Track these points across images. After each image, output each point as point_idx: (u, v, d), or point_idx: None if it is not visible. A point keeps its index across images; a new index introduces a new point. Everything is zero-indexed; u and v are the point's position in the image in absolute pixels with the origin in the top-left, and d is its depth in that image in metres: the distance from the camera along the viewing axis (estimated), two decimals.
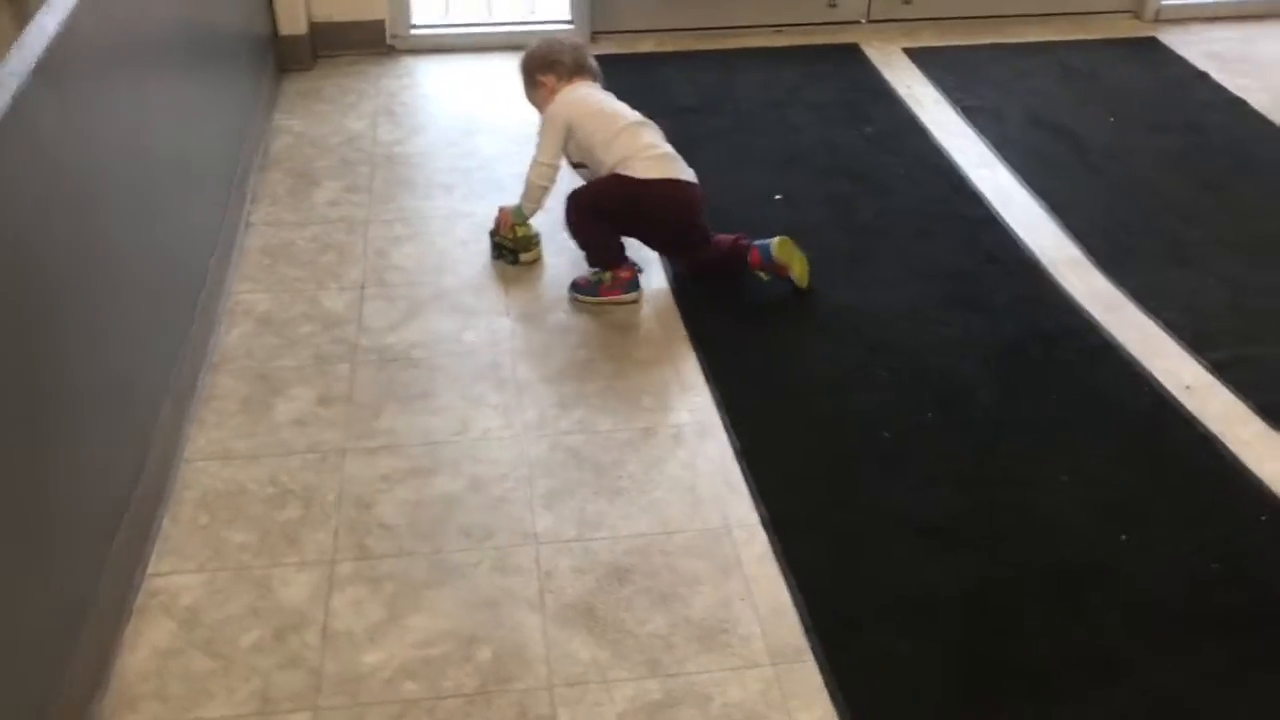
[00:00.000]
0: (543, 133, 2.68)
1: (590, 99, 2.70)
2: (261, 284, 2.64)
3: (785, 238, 2.59)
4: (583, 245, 2.64)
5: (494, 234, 2.73)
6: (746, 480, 2.08)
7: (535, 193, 2.68)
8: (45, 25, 1.64)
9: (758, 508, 2.02)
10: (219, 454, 2.13)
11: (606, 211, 2.59)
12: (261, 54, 3.44)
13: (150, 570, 1.87)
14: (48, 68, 1.60)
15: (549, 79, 2.71)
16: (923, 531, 1.98)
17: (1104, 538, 1.97)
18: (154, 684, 1.68)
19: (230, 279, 2.63)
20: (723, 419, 2.23)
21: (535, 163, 2.67)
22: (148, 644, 1.75)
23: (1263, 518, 2.01)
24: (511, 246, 2.70)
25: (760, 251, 2.59)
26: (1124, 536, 1.96)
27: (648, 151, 2.59)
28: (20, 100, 1.50)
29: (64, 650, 1.57)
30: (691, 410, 2.27)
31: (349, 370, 2.37)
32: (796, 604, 1.83)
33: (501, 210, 2.71)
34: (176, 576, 1.87)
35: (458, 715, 1.64)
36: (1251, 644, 1.78)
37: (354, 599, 1.83)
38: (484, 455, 2.14)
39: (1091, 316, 2.56)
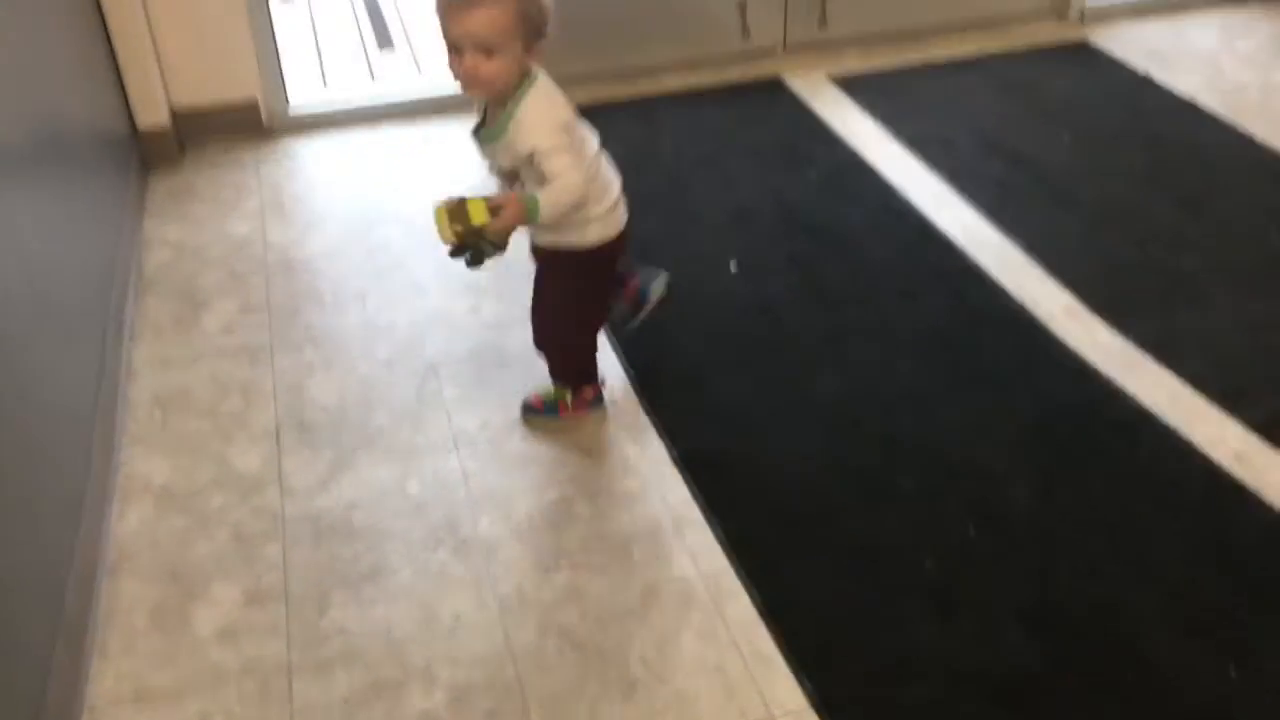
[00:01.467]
0: (551, 133, 1.86)
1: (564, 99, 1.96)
2: (156, 446, 2.22)
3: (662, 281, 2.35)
4: (561, 364, 2.22)
5: (478, 234, 1.85)
6: (780, 649, 1.75)
7: (564, 212, 1.92)
8: None
9: (801, 684, 1.69)
10: (130, 696, 1.72)
11: (598, 318, 2.22)
12: (121, 153, 2.98)
13: None
14: None
15: (534, 48, 1.85)
16: (1002, 695, 1.67)
17: (1212, 675, 1.69)
18: None
19: (118, 445, 2.20)
20: (734, 566, 1.90)
21: (564, 182, 1.86)
22: None
23: None
24: (497, 244, 1.89)
25: (640, 293, 2.34)
26: (1234, 674, 1.68)
27: (617, 192, 2.06)
28: None
29: None
30: (694, 555, 1.93)
31: (279, 552, 1.97)
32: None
33: (491, 201, 1.85)
34: None
35: None
36: None
37: None
38: (460, 653, 1.77)
39: (1110, 379, 2.30)
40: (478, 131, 1.96)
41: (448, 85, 3.47)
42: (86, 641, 1.78)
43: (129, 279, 2.66)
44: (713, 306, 2.57)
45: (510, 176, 2.02)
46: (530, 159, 1.88)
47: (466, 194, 1.86)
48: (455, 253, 1.89)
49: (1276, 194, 2.92)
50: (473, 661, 1.75)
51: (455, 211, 1.84)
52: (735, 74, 3.62)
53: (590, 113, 3.36)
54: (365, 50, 3.99)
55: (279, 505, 2.07)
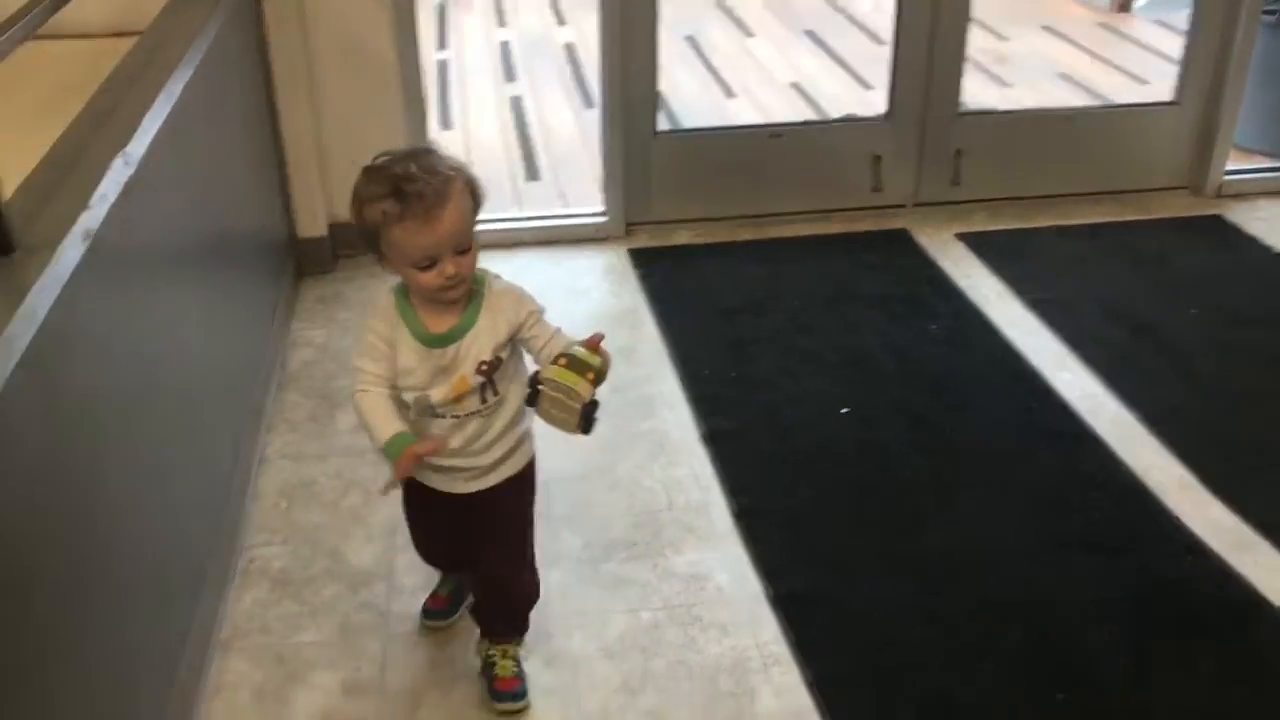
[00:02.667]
0: (532, 297, 1.82)
1: None
2: (279, 534, 2.34)
3: None
4: (526, 597, 1.98)
5: (589, 405, 1.65)
6: None
7: None
8: (37, 306, 1.38)
9: None
10: None
11: None
12: (279, 258, 3.22)
13: None
14: (51, 326, 1.34)
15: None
16: None
17: None
18: None
19: (245, 529, 2.33)
20: (817, 707, 1.91)
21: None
22: None
23: None
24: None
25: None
26: None
27: None
28: (22, 364, 1.24)
29: None
30: (778, 694, 1.95)
31: (380, 647, 2.05)
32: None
33: (585, 343, 1.69)
34: None
35: None
36: None
37: None
38: None
39: (1222, 559, 2.25)
40: (432, 341, 1.70)
41: (585, 218, 3.68)
42: (194, 713, 1.87)
43: (272, 375, 2.84)
44: (821, 448, 2.61)
45: (472, 387, 1.73)
46: (515, 334, 1.74)
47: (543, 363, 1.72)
48: (590, 410, 1.64)
49: None
50: None
51: (572, 365, 1.63)
52: (864, 225, 3.72)
53: (714, 252, 3.54)
54: (513, 180, 4.22)
55: (386, 602, 2.16)
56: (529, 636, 2.03)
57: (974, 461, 2.57)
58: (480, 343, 1.72)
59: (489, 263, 3.62)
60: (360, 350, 1.76)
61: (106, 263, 1.62)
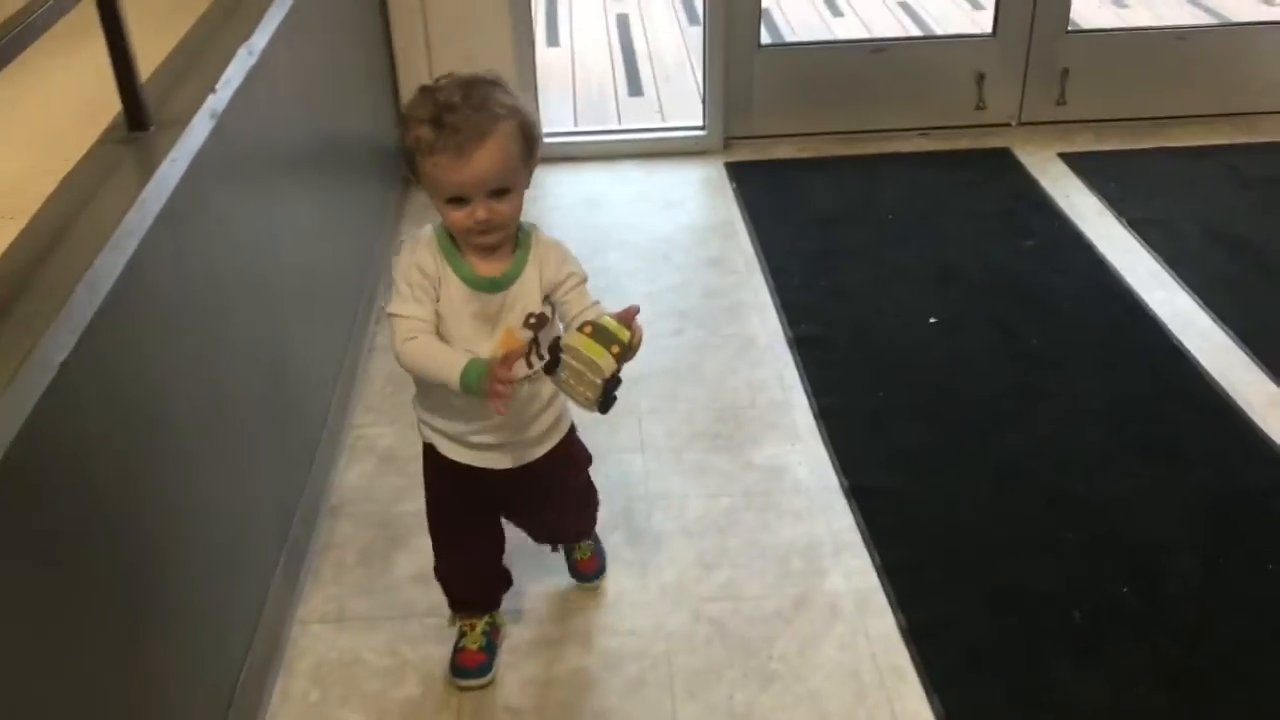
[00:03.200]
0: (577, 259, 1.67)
1: None
2: (384, 416, 2.50)
3: None
4: (594, 524, 2.03)
5: (624, 355, 1.49)
6: (916, 667, 1.83)
7: None
8: (168, 175, 1.52)
9: (931, 702, 1.77)
10: (334, 618, 1.97)
11: None
12: (389, 167, 3.36)
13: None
14: (169, 212, 1.48)
15: (533, 167, 1.61)
16: None
17: None
18: None
19: (353, 411, 2.50)
20: (885, 589, 1.99)
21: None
22: None
23: None
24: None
25: None
26: None
27: None
28: (147, 244, 1.38)
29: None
30: (847, 576, 2.04)
31: None
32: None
33: (618, 316, 1.53)
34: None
35: None
36: None
37: None
38: (618, 624, 1.94)
39: None
40: (482, 284, 1.58)
41: (684, 132, 3.75)
42: (303, 567, 2.05)
43: (382, 272, 2.99)
44: (906, 356, 2.67)
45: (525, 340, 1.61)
46: (551, 294, 1.61)
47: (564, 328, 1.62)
48: (611, 387, 1.47)
49: None
50: (627, 632, 1.92)
51: (598, 335, 1.47)
52: (965, 142, 3.71)
53: (811, 166, 3.58)
54: (616, 95, 4.30)
55: None
56: (615, 515, 2.15)
57: (1058, 372, 2.60)
58: (529, 293, 1.59)
59: (591, 174, 3.73)
60: (399, 295, 1.56)
61: (230, 143, 1.76)
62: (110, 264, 1.30)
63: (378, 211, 3.10)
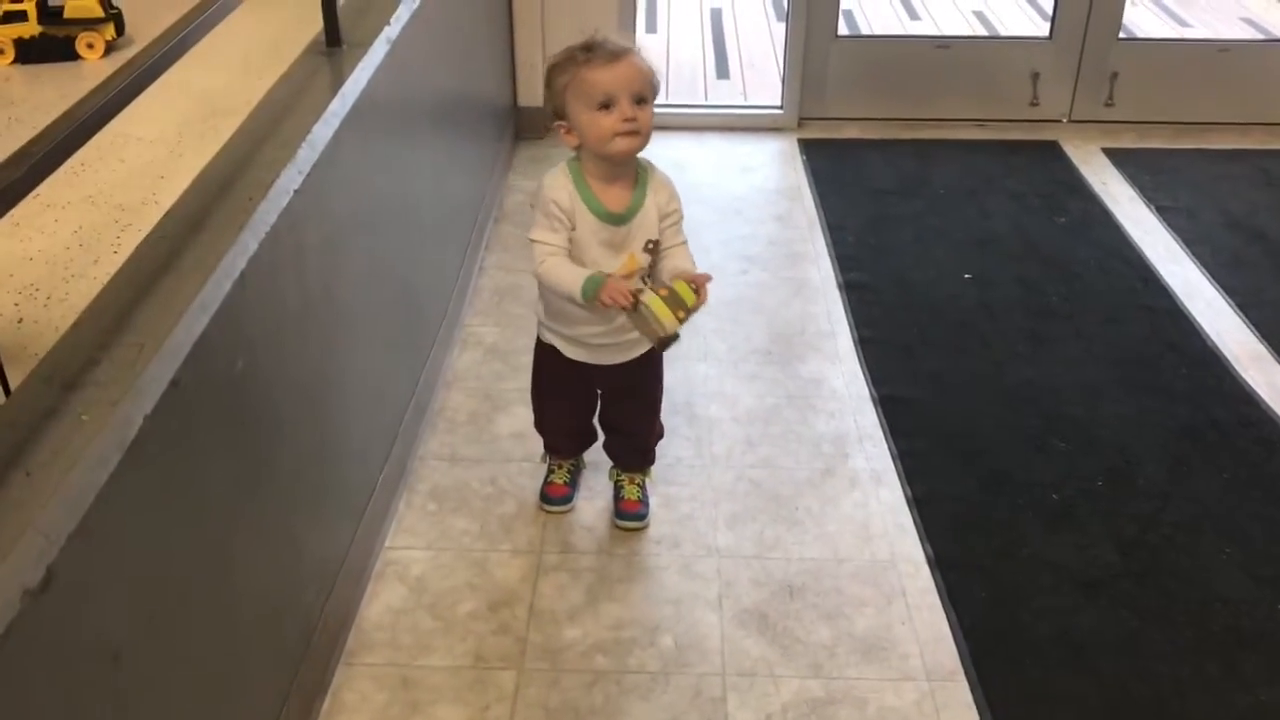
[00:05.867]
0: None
1: None
2: (491, 319, 2.98)
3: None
4: (654, 447, 2.31)
5: (668, 339, 1.89)
6: (916, 524, 2.25)
7: None
8: (358, 80, 2.00)
9: (924, 548, 2.19)
10: (448, 456, 2.44)
11: None
12: (503, 123, 3.85)
13: (387, 544, 2.18)
14: (356, 116, 1.96)
15: None
16: (1082, 585, 2.11)
17: (1263, 608, 2.05)
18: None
19: (465, 313, 2.98)
20: (897, 469, 2.41)
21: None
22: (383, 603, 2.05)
23: None
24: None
25: None
26: None
27: None
28: (337, 136, 1.86)
29: (323, 594, 1.87)
30: (869, 459, 2.46)
31: None
32: (954, 634, 1.99)
33: (691, 282, 1.88)
34: (408, 551, 2.17)
35: (641, 688, 1.87)
36: None
37: (558, 584, 2.09)
38: (675, 479, 2.38)
39: (1272, 410, 2.63)
40: (611, 218, 1.92)
41: (765, 110, 4.18)
42: (424, 421, 2.52)
43: (491, 209, 3.48)
44: (940, 303, 3.07)
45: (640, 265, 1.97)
46: (659, 227, 1.96)
47: (652, 287, 1.92)
48: (670, 340, 1.86)
49: None
50: (681, 484, 2.36)
51: (670, 300, 1.83)
52: (1016, 134, 4.09)
53: (875, 146, 4.00)
54: (705, 77, 4.75)
55: None
56: (678, 404, 2.59)
57: (1072, 322, 2.99)
58: (648, 222, 1.94)
59: (680, 141, 4.17)
60: (539, 225, 1.91)
61: (397, 64, 2.24)
62: (305, 158, 1.74)
63: (490, 160, 3.58)
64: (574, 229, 1.93)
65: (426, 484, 2.35)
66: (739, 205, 3.61)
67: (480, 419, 2.57)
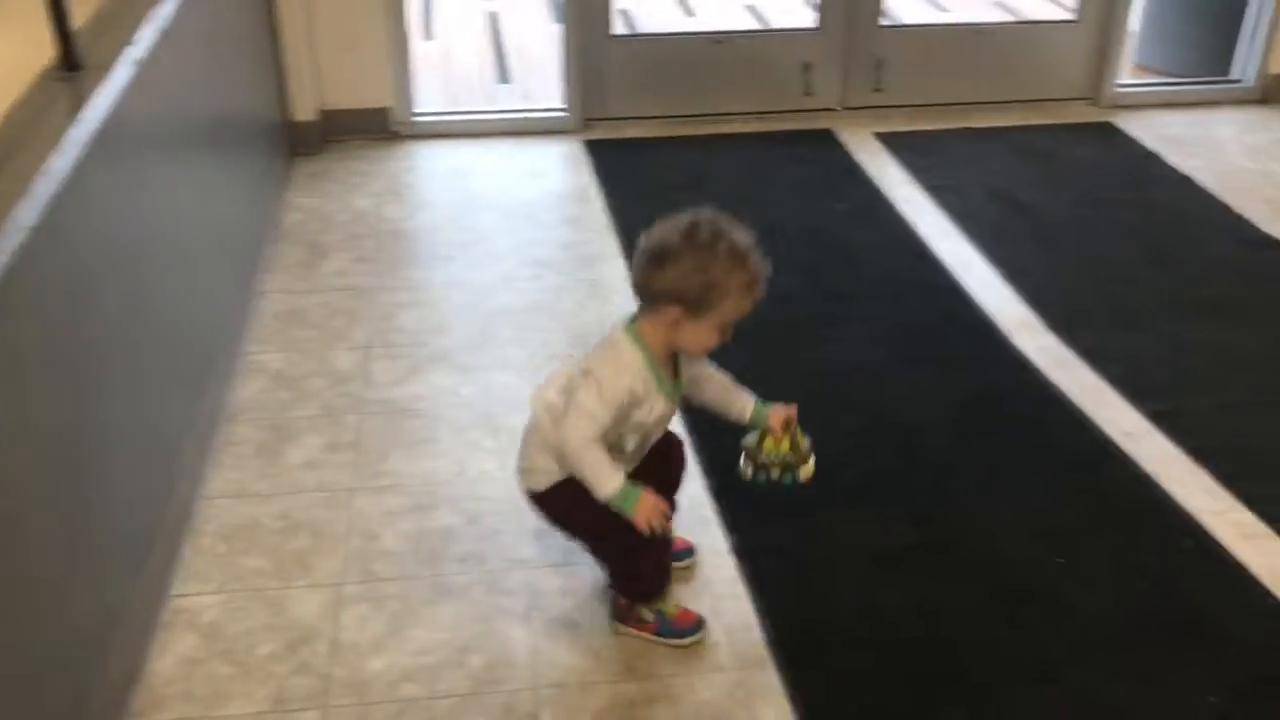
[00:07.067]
0: None
1: None
2: (274, 345, 2.86)
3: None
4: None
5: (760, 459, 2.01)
6: (717, 515, 2.28)
7: None
8: (100, 106, 1.88)
9: (728, 537, 2.22)
10: (235, 493, 2.33)
11: None
12: (275, 139, 3.71)
13: (175, 591, 2.06)
14: (101, 143, 1.84)
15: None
16: (878, 558, 2.17)
17: (1043, 562, 2.16)
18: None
19: (246, 341, 2.85)
20: (699, 462, 2.43)
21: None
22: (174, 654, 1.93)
23: (1188, 544, 2.21)
24: (791, 461, 2.01)
25: None
26: (1060, 560, 2.16)
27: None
28: (80, 167, 1.74)
29: (100, 652, 1.75)
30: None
31: (357, 420, 2.57)
32: (761, 620, 2.02)
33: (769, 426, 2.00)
34: (197, 597, 2.06)
35: (452, 713, 1.82)
36: (1171, 650, 1.97)
37: (359, 615, 2.02)
38: (479, 494, 2.34)
39: (1041, 372, 2.78)
40: (674, 391, 1.93)
41: (547, 113, 4.16)
42: (208, 459, 2.40)
43: (269, 231, 3.35)
44: None
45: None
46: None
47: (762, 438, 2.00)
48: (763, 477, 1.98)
49: (1235, 253, 3.37)
50: (488, 499, 2.32)
51: (800, 454, 2.00)
52: (793, 124, 4.21)
53: (660, 144, 4.04)
54: (485, 82, 4.70)
55: (362, 391, 2.68)
56: (478, 416, 2.55)
57: (856, 304, 3.09)
58: (667, 406, 1.93)
59: (464, 149, 4.10)
60: (604, 402, 1.80)
61: (147, 85, 2.12)
62: (43, 191, 1.62)
63: (264, 179, 3.44)
64: (641, 411, 1.86)
65: (214, 524, 2.24)
66: (529, 210, 3.58)
67: (268, 451, 2.46)
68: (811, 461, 2.01)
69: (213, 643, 1.96)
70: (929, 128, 4.21)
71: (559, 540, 2.17)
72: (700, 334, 1.84)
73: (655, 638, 1.96)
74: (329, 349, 2.85)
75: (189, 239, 2.48)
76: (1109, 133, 4.20)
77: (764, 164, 3.91)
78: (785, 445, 1.98)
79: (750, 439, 2.01)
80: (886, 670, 1.94)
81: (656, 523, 1.81)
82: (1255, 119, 4.34)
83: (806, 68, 4.23)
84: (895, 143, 4.08)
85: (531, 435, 1.95)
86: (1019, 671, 1.93)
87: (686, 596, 2.06)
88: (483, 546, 2.19)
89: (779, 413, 1.99)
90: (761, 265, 1.84)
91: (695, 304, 1.80)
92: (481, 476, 2.39)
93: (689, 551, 2.17)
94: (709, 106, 4.22)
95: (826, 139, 4.13)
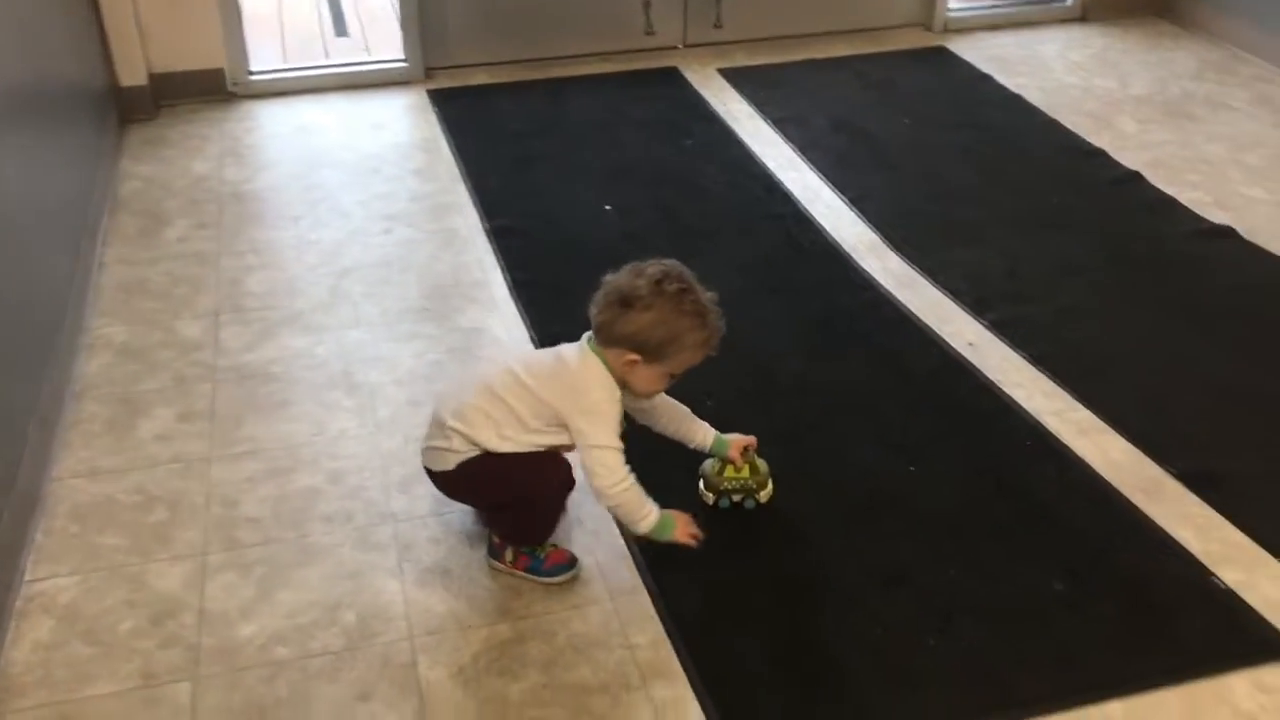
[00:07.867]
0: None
1: None
2: (118, 318, 2.76)
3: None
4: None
5: (723, 486, 2.14)
6: None
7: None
8: None
9: None
10: (87, 471, 2.26)
11: None
12: (104, 106, 3.55)
13: (28, 577, 2.00)
14: None
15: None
16: None
17: (896, 472, 2.25)
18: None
19: (88, 316, 2.74)
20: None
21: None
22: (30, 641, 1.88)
23: (1028, 443, 2.33)
24: (751, 486, 2.14)
25: None
26: (912, 468, 2.25)
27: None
28: None
29: None
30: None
31: (209, 389, 2.51)
32: (630, 550, 2.06)
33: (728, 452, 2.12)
34: (52, 580, 2.00)
35: (327, 670, 1.82)
36: (1018, 543, 2.08)
37: (225, 584, 1.99)
38: (341, 452, 2.32)
39: (888, 292, 2.87)
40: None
41: (387, 64, 4.08)
42: (54, 439, 2.31)
43: (104, 202, 3.21)
44: (588, 236, 3.14)
45: None
46: None
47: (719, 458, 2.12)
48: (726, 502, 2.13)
49: (1064, 165, 3.52)
50: (350, 456, 2.30)
51: (761, 477, 2.14)
52: (638, 64, 4.21)
53: (506, 90, 4.00)
54: (323, 36, 4.58)
55: (213, 359, 2.61)
56: (336, 376, 2.51)
57: (709, 239, 3.13)
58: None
59: (303, 105, 4.00)
60: (610, 429, 1.89)
61: None
62: None
63: (94, 148, 3.30)
64: None
65: (65, 505, 2.17)
66: (374, 164, 3.52)
67: (119, 426, 2.39)
68: (770, 484, 2.14)
69: (71, 625, 1.90)
70: (770, 61, 4.26)
71: (427, 490, 2.17)
72: (651, 378, 1.94)
73: (526, 574, 1.98)
74: (175, 318, 2.76)
75: (13, 215, 2.37)
76: (943, 56, 4.32)
77: (611, 105, 3.91)
78: (745, 471, 2.12)
79: (709, 466, 2.15)
80: (753, 582, 2.00)
81: (694, 531, 1.97)
82: (1077, 36, 4.52)
83: (647, 6, 4.23)
84: (738, 78, 4.12)
85: (451, 420, 1.94)
86: (875, 574, 2.01)
87: (560, 535, 2.08)
88: (348, 504, 2.17)
89: (739, 442, 2.11)
90: (719, 325, 1.93)
91: (653, 353, 1.89)
92: (341, 435, 2.37)
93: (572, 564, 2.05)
94: (553, 50, 4.19)
95: (671, 77, 4.15)
